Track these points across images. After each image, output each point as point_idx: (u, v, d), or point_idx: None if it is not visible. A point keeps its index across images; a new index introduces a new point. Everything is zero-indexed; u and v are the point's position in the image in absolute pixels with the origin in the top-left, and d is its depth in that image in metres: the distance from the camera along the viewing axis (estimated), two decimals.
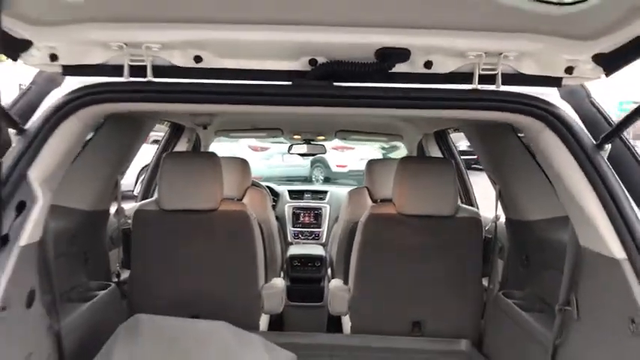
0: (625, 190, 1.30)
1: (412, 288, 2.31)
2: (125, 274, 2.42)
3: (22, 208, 1.32)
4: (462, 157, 3.34)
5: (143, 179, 3.32)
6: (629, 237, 1.23)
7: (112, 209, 2.48)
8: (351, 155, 11.83)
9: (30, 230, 1.31)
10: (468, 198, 3.10)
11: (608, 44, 1.20)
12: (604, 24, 1.16)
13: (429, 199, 2.24)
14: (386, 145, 5.79)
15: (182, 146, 3.36)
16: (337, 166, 12.80)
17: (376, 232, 2.32)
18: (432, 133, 3.29)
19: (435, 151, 3.37)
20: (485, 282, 2.43)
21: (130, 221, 2.40)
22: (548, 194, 1.92)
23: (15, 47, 1.27)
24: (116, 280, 2.39)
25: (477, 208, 2.96)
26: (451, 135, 3.30)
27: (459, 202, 2.75)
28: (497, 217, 2.34)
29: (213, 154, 2.36)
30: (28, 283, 1.36)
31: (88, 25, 1.24)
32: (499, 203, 2.34)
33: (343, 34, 1.22)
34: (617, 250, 1.26)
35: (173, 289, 2.25)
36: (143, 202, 2.59)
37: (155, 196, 2.58)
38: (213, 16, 1.20)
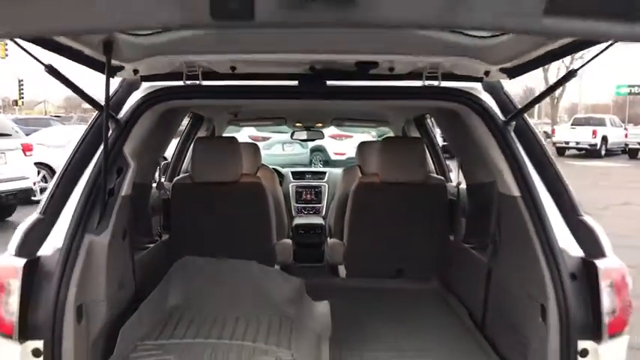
0: (523, 151, 1.91)
1: (393, 240, 2.93)
2: (164, 237, 3.03)
3: (120, 171, 1.93)
4: None
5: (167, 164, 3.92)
6: (522, 181, 1.84)
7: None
8: (349, 143, 12.34)
9: (125, 186, 1.93)
10: (442, 171, 3.70)
11: (509, 64, 1.82)
12: (506, 55, 1.76)
13: (404, 169, 2.86)
14: (383, 129, 6.40)
15: (202, 134, 3.97)
16: (335, 154, 13.31)
17: (364, 196, 2.94)
18: (412, 118, 3.90)
19: (415, 134, 3.98)
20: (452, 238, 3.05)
21: (168, 193, 3.01)
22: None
23: (113, 71, 1.89)
24: (157, 239, 3.00)
25: (449, 179, 3.57)
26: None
27: (436, 174, 3.36)
28: (459, 183, 2.96)
29: (234, 138, 2.97)
30: (123, 223, 1.97)
31: (160, 56, 1.84)
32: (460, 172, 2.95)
33: (333, 54, 1.81)
34: (515, 190, 1.88)
35: (205, 245, 2.85)
36: (178, 177, 3.20)
37: (182, 174, 3.19)
38: (245, 49, 1.78)
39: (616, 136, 24.32)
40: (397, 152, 2.90)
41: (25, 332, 1.56)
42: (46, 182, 10.10)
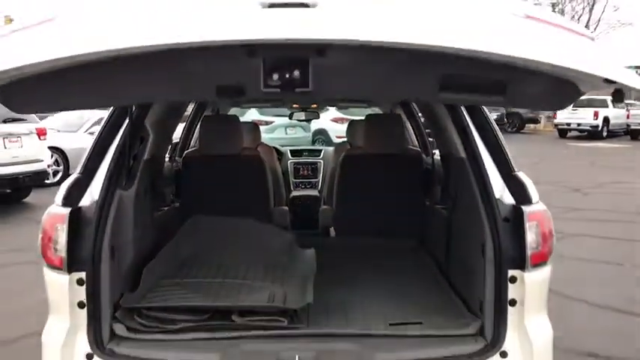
0: (470, 121, 2.30)
1: (375, 204, 3.34)
2: (176, 204, 3.45)
3: (142, 140, 2.35)
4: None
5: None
6: (468, 145, 2.23)
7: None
8: None
9: (147, 152, 2.35)
10: (424, 144, 4.08)
11: None
12: None
13: (384, 142, 3.26)
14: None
15: (208, 114, 4.38)
16: (337, 137, 13.72)
17: (350, 165, 3.35)
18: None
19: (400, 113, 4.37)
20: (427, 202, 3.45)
21: (179, 165, 3.44)
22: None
23: None
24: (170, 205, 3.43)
25: (430, 153, 3.96)
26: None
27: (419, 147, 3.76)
28: (433, 154, 3.36)
29: (235, 116, 3.38)
30: (145, 182, 2.39)
31: None
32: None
33: None
34: (462, 153, 2.28)
35: (211, 208, 3.27)
36: (188, 150, 3.63)
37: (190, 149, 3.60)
38: None
39: (618, 117, 24.43)
40: (378, 127, 3.30)
41: (71, 265, 1.97)
42: (58, 166, 10.48)
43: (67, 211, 2.00)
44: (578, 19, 39.38)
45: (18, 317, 3.83)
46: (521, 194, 2.06)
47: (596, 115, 23.56)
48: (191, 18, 1.31)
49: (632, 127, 24.17)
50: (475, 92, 1.56)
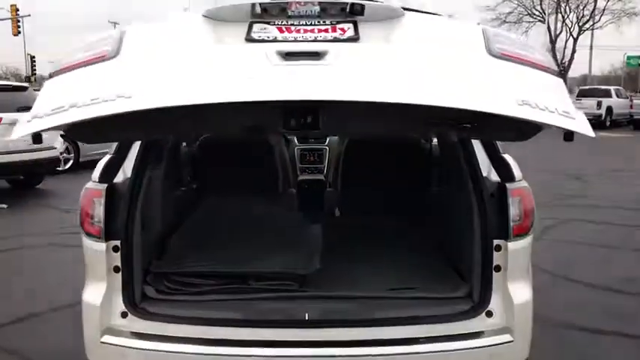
0: None
1: (377, 187, 3.59)
2: (192, 186, 3.71)
3: None
4: None
5: None
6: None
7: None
8: None
9: (170, 141, 2.62)
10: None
11: None
12: None
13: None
14: None
15: None
16: None
17: (354, 151, 3.59)
18: None
19: None
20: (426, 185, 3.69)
21: (195, 149, 3.69)
22: None
23: None
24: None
25: (430, 142, 4.19)
26: None
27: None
28: (432, 140, 3.60)
29: None
30: (170, 164, 2.65)
31: None
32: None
33: None
34: (454, 137, 2.52)
35: (225, 189, 3.52)
36: (203, 136, 3.88)
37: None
38: None
39: (621, 107, 24.49)
40: None
41: (108, 234, 2.23)
42: (69, 154, 10.69)
43: (104, 186, 2.26)
44: (583, 8, 39.39)
45: (36, 295, 4.10)
46: (505, 173, 2.31)
47: (599, 104, 23.64)
48: (227, 81, 1.62)
49: (636, 117, 24.20)
50: (458, 129, 1.95)
